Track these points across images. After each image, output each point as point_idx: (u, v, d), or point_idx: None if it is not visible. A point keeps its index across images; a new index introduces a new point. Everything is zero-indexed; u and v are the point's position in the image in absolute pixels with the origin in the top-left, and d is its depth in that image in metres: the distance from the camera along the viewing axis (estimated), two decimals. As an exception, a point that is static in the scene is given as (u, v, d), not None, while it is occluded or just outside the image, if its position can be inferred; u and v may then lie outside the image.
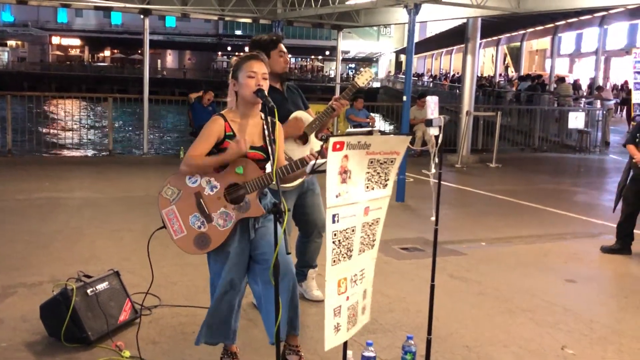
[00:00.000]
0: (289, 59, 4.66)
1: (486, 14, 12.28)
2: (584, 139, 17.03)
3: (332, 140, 2.98)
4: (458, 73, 46.45)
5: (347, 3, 12.69)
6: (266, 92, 3.43)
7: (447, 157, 13.51)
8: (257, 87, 3.43)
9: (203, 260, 4.73)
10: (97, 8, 13.99)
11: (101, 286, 4.30)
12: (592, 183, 12.45)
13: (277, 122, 3.41)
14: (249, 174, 3.43)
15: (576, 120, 16.34)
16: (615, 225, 7.01)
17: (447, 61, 55.08)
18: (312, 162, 3.33)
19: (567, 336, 4.56)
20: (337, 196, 3.05)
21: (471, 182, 11.30)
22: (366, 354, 3.55)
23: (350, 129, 3.98)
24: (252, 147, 3.50)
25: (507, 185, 11.28)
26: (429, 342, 3.65)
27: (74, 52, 71.96)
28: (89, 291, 4.19)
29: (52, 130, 19.66)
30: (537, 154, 16.71)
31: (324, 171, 3.28)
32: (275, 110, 3.30)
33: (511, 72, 45.18)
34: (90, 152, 15.05)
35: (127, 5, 12.79)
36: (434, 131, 3.24)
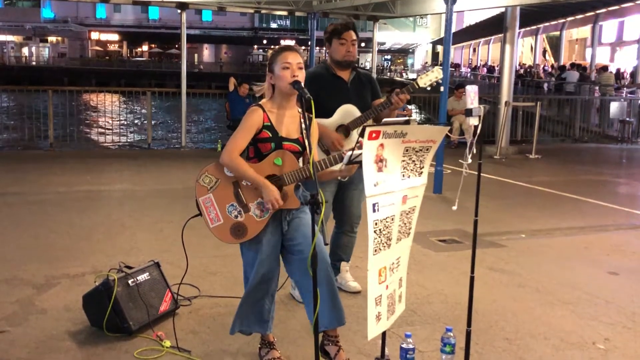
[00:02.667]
0: (353, 48, 4.55)
1: (525, 3, 12.09)
2: (625, 129, 16.69)
3: (368, 129, 2.98)
4: (495, 64, 45.95)
5: (383, -7, 12.62)
6: (302, 82, 3.45)
7: (485, 148, 13.38)
8: (293, 78, 3.44)
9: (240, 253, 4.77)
10: (135, 3, 14.13)
11: (142, 277, 4.36)
12: (635, 174, 12.19)
13: (313, 117, 3.41)
14: (287, 165, 3.45)
15: (618, 109, 16.00)
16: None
17: (485, 51, 54.43)
18: (349, 153, 3.32)
19: (609, 329, 4.48)
20: (375, 185, 3.04)
21: (510, 173, 11.16)
22: (405, 345, 3.54)
23: (387, 119, 3.81)
24: (288, 139, 3.52)
25: (547, 176, 11.12)
26: (468, 334, 3.61)
27: (112, 47, 72.99)
28: (130, 282, 4.25)
29: (92, 125, 19.98)
30: (578, 144, 16.44)
31: (361, 162, 3.27)
32: (312, 101, 3.30)
33: (550, 60, 44.43)
34: (129, 146, 15.24)
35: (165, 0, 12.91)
36: (473, 121, 3.21)
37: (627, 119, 16.51)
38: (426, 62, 64.01)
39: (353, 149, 3.28)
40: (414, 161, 3.24)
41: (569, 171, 12.16)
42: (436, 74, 4.13)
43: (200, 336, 4.17)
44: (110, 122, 16.40)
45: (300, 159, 3.56)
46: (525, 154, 13.48)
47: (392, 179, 3.14)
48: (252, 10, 15.03)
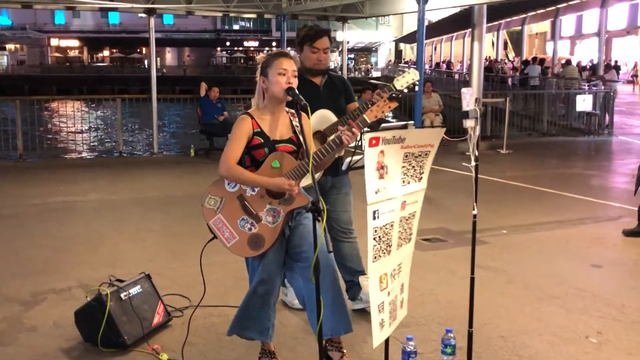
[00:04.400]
0: (325, 56, 4.42)
1: (494, 0, 12.19)
2: (592, 121, 16.98)
3: (367, 136, 2.96)
4: (458, 61, 46.38)
5: (353, -6, 12.62)
6: (296, 90, 3.42)
7: (457, 145, 13.48)
8: (288, 84, 3.42)
9: (229, 259, 4.71)
10: (102, 9, 13.95)
11: (134, 290, 4.30)
12: (604, 166, 12.42)
13: (303, 115, 3.38)
14: (285, 166, 3.42)
15: (584, 102, 16.25)
16: (635, 208, 7.00)
17: (447, 48, 54.90)
18: (348, 160, 3.32)
19: (600, 322, 4.55)
20: (376, 192, 3.04)
21: (484, 169, 11.19)
22: (407, 349, 3.54)
23: (385, 124, 3.72)
24: (281, 141, 3.50)
25: (521, 171, 11.26)
26: (470, 335, 3.64)
27: (72, 53, 71.99)
28: (122, 295, 4.19)
29: (60, 134, 19.64)
30: (546, 138, 16.67)
31: (361, 167, 3.27)
32: (308, 107, 3.29)
33: (510, 53, 45.05)
34: (100, 154, 15.02)
35: (134, 5, 12.75)
36: (470, 123, 3.23)
37: (593, 111, 16.78)
38: (390, 60, 64.35)
39: (352, 155, 3.27)
40: (414, 167, 3.24)
41: (541, 165, 12.33)
42: (412, 75, 4.01)
43: (196, 347, 4.13)
44: (81, 130, 16.13)
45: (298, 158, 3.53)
46: (497, 150, 13.62)
47: (393, 185, 3.14)
48: (220, 14, 14.97)
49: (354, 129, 3.32)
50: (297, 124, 3.43)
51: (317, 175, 4.33)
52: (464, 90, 3.25)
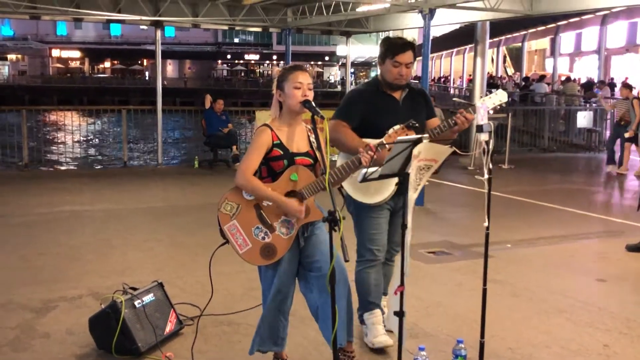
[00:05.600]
0: (407, 71, 4.14)
1: (498, 17, 12.31)
2: (592, 137, 17.08)
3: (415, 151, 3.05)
4: (458, 76, 46.63)
5: (358, 10, 12.70)
6: (312, 102, 3.48)
7: (459, 159, 13.58)
8: (304, 97, 3.48)
9: (238, 269, 4.79)
10: (109, 21, 14.04)
11: (147, 298, 4.35)
12: (605, 182, 12.50)
13: (319, 129, 3.43)
14: (303, 179, 3.49)
15: (584, 119, 16.38)
16: (637, 224, 7.08)
17: (447, 64, 55.16)
18: (364, 171, 3.38)
19: (607, 335, 4.60)
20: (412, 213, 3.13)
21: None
22: (420, 358, 3.60)
23: (400, 137, 3.65)
24: (299, 154, 3.56)
25: (523, 186, 11.33)
26: (482, 345, 3.69)
27: (74, 64, 72.07)
28: (136, 303, 4.24)
29: (65, 144, 19.71)
30: (547, 154, 16.76)
31: (376, 179, 3.34)
32: (326, 120, 3.34)
33: (511, 72, 45.28)
34: (105, 164, 15.07)
35: (142, 17, 12.84)
36: (484, 137, 3.30)
37: (593, 127, 16.89)
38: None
39: (368, 166, 3.33)
40: (418, 178, 3.31)
41: (543, 180, 12.41)
42: (500, 97, 3.78)
43: (208, 355, 4.18)
44: (85, 140, 16.20)
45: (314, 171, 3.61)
46: (499, 164, 13.69)
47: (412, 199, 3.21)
48: (226, 27, 15.04)
49: (370, 152, 3.41)
50: (314, 140, 3.48)
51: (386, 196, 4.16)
52: (478, 104, 3.32)
